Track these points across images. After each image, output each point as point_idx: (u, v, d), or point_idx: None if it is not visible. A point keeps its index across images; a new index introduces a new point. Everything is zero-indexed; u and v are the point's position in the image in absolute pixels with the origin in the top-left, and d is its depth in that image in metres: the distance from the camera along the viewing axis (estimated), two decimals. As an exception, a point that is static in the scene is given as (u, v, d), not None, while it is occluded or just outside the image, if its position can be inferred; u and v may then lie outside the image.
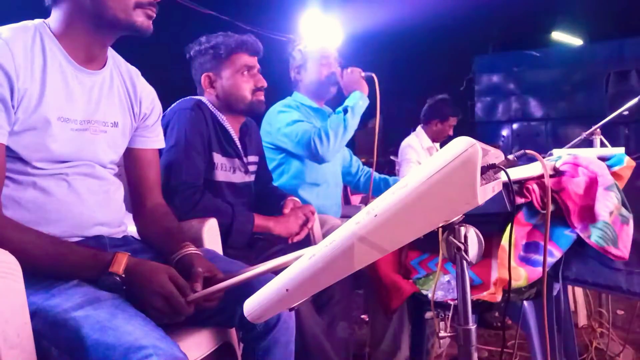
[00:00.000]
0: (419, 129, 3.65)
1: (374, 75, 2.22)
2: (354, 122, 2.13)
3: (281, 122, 2.16)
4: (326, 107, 2.40)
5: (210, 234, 1.52)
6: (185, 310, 1.06)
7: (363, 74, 2.24)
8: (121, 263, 1.04)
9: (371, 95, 2.22)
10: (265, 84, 1.77)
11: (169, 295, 1.04)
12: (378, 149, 2.38)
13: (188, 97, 1.76)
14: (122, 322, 0.94)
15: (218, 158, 1.71)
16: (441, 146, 3.71)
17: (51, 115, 1.10)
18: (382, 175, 2.64)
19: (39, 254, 1.03)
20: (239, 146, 1.79)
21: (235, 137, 1.78)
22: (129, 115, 1.29)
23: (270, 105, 2.24)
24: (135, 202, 1.36)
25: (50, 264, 1.04)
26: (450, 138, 3.62)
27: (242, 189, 1.80)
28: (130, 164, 1.35)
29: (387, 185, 2.52)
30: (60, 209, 1.14)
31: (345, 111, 2.12)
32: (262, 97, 1.78)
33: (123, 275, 1.04)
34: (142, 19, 1.14)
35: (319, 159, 2.11)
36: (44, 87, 1.09)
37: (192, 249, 1.22)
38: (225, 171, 1.74)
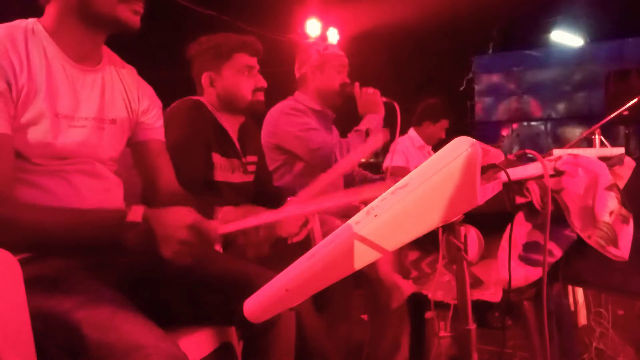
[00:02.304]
0: (411, 130, 3.69)
1: (395, 103, 2.23)
2: (370, 145, 2.19)
3: (293, 125, 2.16)
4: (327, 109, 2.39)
5: (210, 234, 1.51)
6: (214, 235, 1.01)
7: (384, 99, 2.26)
8: (138, 212, 1.00)
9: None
10: (265, 85, 1.77)
11: (194, 223, 0.99)
12: (378, 149, 2.40)
13: (187, 98, 1.76)
14: (122, 322, 0.94)
15: (217, 158, 1.71)
16: (434, 150, 3.72)
17: (49, 112, 1.10)
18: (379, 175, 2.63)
19: (57, 226, 1.01)
20: (238, 146, 1.79)
21: (234, 137, 1.78)
22: (126, 111, 1.29)
23: (270, 105, 2.23)
24: (150, 194, 1.33)
25: (69, 233, 1.02)
26: (443, 141, 3.66)
27: (241, 189, 1.80)
28: (139, 157, 1.34)
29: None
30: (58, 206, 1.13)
31: (367, 133, 2.17)
32: (262, 98, 1.78)
33: (142, 223, 0.99)
34: (127, 15, 1.14)
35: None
36: (41, 84, 1.09)
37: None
38: (224, 171, 1.74)
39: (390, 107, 2.23)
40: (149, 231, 0.98)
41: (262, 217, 1.02)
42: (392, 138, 2.19)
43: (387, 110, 2.26)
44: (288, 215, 0.98)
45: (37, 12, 1.17)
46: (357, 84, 2.29)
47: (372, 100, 2.24)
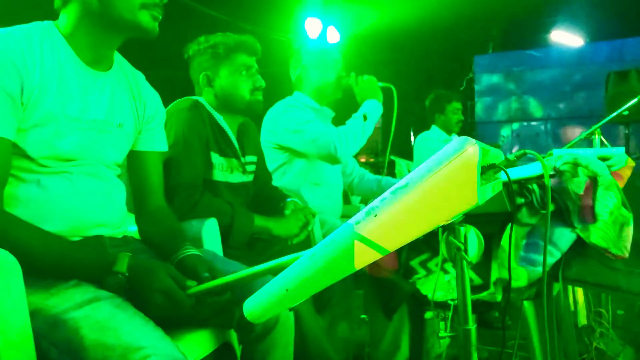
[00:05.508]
0: (433, 127, 3.82)
1: (392, 87, 2.24)
2: (370, 129, 2.19)
3: (290, 121, 2.16)
4: (326, 107, 2.39)
5: (210, 234, 1.52)
6: (185, 303, 1.06)
7: (380, 84, 2.27)
8: (124, 262, 1.05)
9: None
10: (263, 84, 1.77)
11: (168, 290, 1.04)
12: (379, 149, 2.40)
13: (185, 97, 1.76)
14: (121, 322, 0.94)
15: (216, 158, 1.71)
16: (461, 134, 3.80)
17: (58, 113, 1.11)
18: (376, 176, 2.63)
19: (43, 253, 1.04)
20: (237, 146, 1.79)
21: (233, 137, 1.77)
22: (133, 117, 1.30)
23: (269, 105, 2.23)
24: (137, 203, 1.36)
25: (54, 262, 1.05)
26: (465, 123, 3.78)
27: (240, 189, 1.80)
28: (133, 166, 1.36)
29: (379, 187, 2.52)
30: (61, 208, 1.14)
31: (365, 118, 2.16)
32: (261, 97, 1.78)
33: (126, 274, 1.04)
34: (147, 20, 1.15)
35: (335, 161, 2.13)
36: (52, 86, 1.10)
37: (192, 251, 1.22)
38: (223, 171, 1.74)
39: (388, 92, 2.25)
40: (129, 284, 1.04)
41: (230, 277, 1.07)
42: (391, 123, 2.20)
43: (385, 95, 2.28)
44: (253, 274, 1.05)
45: (53, 16, 1.18)
46: (352, 74, 2.30)
47: (369, 87, 2.25)
